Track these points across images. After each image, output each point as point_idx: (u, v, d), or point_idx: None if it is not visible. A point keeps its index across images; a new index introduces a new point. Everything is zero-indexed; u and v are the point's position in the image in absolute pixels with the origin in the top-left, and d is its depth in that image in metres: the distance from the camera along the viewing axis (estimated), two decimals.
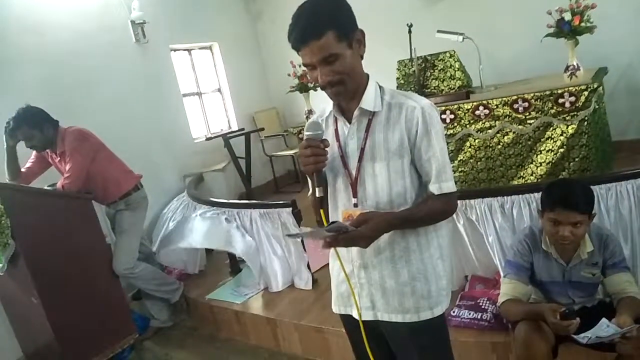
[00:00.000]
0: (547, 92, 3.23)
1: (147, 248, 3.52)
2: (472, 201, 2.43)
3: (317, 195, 1.27)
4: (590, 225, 1.80)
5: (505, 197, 2.37)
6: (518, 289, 1.86)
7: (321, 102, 1.49)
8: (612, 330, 1.54)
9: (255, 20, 6.22)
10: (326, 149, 1.26)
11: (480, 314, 2.28)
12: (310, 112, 5.18)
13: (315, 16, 1.17)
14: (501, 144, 3.53)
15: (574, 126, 3.22)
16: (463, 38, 3.94)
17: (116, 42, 4.29)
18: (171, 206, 4.17)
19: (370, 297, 1.35)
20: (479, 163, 3.67)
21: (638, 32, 4.04)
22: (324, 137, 1.27)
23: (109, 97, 4.11)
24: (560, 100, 3.19)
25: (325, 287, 2.97)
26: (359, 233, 1.18)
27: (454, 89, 3.97)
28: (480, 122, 3.54)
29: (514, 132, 3.46)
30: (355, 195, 1.31)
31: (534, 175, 3.46)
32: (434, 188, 1.26)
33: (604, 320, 1.55)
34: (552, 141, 3.33)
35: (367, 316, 1.35)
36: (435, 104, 1.40)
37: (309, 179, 1.38)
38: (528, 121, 3.36)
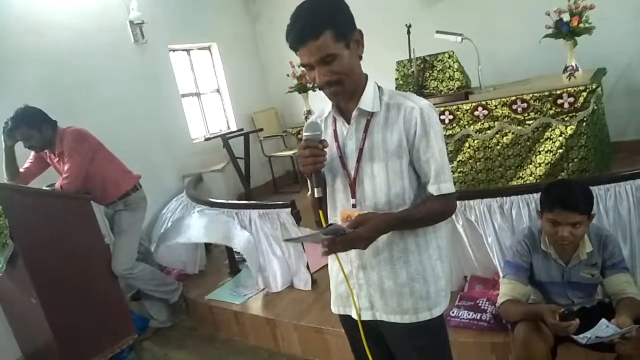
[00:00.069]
0: (546, 93, 3.24)
1: (146, 248, 3.52)
2: (471, 202, 2.43)
3: (316, 195, 1.27)
4: (589, 226, 1.80)
5: (504, 197, 2.37)
6: (517, 290, 1.86)
7: (320, 103, 1.49)
8: (612, 331, 1.54)
9: (254, 21, 6.22)
10: (325, 149, 1.26)
11: (479, 315, 2.28)
12: (309, 112, 5.18)
13: (313, 16, 1.17)
14: (500, 144, 3.54)
15: (573, 127, 3.22)
16: (462, 39, 3.94)
17: (115, 43, 4.29)
18: (170, 206, 4.17)
19: (369, 298, 1.35)
20: (478, 164, 3.67)
21: (636, 32, 4.05)
22: (322, 138, 1.27)
23: (108, 97, 4.11)
24: (559, 101, 3.19)
25: (324, 287, 2.97)
26: (356, 235, 1.17)
27: (453, 89, 3.97)
28: (479, 123, 3.54)
29: (513, 133, 3.46)
30: (353, 195, 1.31)
31: (533, 175, 3.47)
32: (432, 189, 1.26)
33: (603, 320, 1.55)
34: (551, 142, 3.34)
35: (366, 316, 1.35)
36: (434, 104, 1.40)
37: (307, 179, 1.38)
38: (527, 122, 3.37)
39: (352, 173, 1.30)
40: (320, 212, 1.30)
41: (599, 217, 2.12)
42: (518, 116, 3.37)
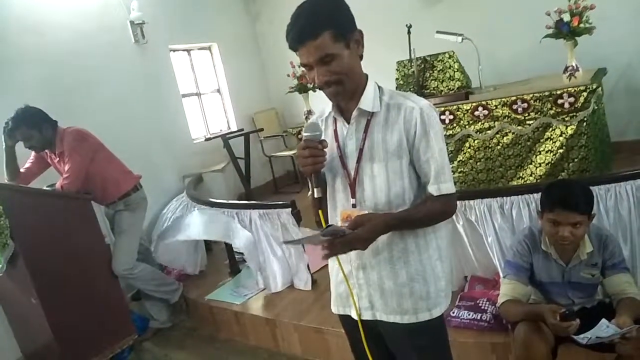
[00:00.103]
0: (546, 93, 3.24)
1: (146, 248, 3.52)
2: (471, 202, 2.43)
3: (316, 195, 1.28)
4: (589, 226, 1.80)
5: (504, 197, 2.37)
6: (518, 290, 1.86)
7: (320, 103, 1.49)
8: (612, 331, 1.54)
9: (254, 21, 6.22)
10: (325, 149, 1.26)
11: (479, 315, 2.28)
12: (309, 112, 5.18)
13: (313, 16, 1.17)
14: (500, 144, 3.54)
15: (573, 127, 3.22)
16: (462, 39, 3.94)
17: (115, 43, 4.29)
18: (170, 206, 4.17)
19: (369, 298, 1.34)
20: (478, 164, 3.67)
21: (637, 32, 4.05)
22: (323, 138, 1.27)
23: (108, 97, 4.11)
24: (560, 101, 3.19)
25: (324, 287, 2.97)
26: (355, 235, 1.17)
27: (453, 89, 3.97)
28: (480, 123, 3.54)
29: (513, 133, 3.46)
30: (353, 195, 1.30)
31: (533, 175, 3.46)
32: (432, 189, 1.26)
33: (603, 320, 1.55)
34: (551, 142, 3.34)
35: (366, 316, 1.35)
36: (434, 104, 1.40)
37: (308, 179, 1.38)
38: (527, 122, 3.37)
39: (352, 173, 1.30)
40: (320, 212, 1.30)
41: (599, 217, 2.12)
42: (518, 116, 3.37)
